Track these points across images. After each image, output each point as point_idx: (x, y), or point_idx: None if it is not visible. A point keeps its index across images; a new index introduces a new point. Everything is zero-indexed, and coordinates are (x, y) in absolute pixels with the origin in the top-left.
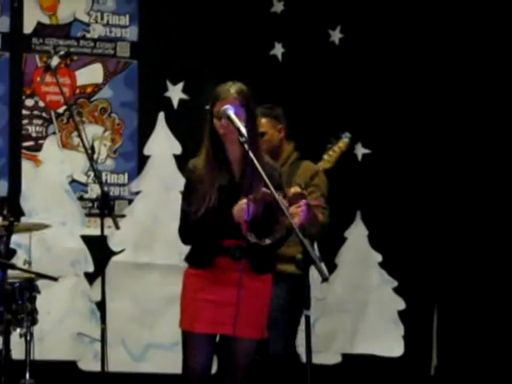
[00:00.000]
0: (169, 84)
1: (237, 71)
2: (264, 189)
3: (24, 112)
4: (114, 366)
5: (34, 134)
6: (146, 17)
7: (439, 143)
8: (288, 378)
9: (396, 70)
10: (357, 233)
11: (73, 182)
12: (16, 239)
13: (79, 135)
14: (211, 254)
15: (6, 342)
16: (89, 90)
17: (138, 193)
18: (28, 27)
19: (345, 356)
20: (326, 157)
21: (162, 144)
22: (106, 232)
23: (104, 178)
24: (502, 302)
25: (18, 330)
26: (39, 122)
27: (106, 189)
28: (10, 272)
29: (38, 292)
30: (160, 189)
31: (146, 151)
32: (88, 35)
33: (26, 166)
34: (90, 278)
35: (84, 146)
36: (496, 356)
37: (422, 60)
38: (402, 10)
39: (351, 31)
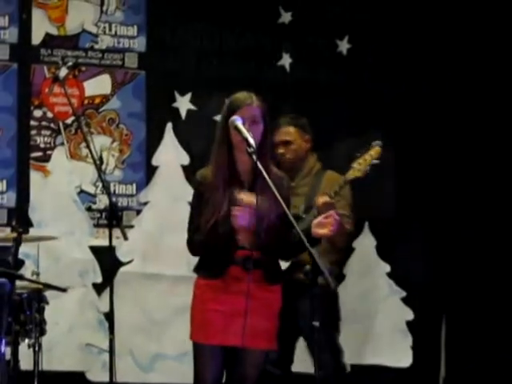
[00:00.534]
0: (177, 94)
1: (245, 82)
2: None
3: (32, 123)
4: (122, 376)
5: (42, 145)
6: (153, 27)
7: (446, 152)
8: None
9: (404, 80)
10: (365, 243)
11: (81, 192)
12: (24, 250)
13: (87, 146)
14: (222, 265)
15: (15, 353)
16: (97, 100)
17: (146, 203)
18: (36, 38)
19: (353, 367)
20: (355, 165)
21: (170, 154)
22: (115, 242)
23: (112, 189)
24: (511, 312)
25: (27, 340)
26: (47, 132)
27: (114, 199)
28: (19, 283)
29: (47, 303)
30: (168, 199)
31: (154, 162)
32: (96, 46)
33: (34, 176)
34: (99, 288)
35: (92, 156)
36: (505, 368)
37: (430, 69)
38: (409, 20)
39: (359, 41)
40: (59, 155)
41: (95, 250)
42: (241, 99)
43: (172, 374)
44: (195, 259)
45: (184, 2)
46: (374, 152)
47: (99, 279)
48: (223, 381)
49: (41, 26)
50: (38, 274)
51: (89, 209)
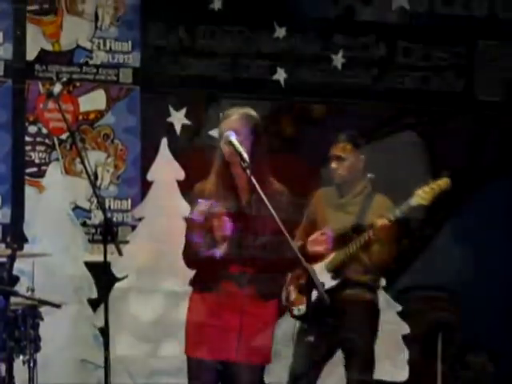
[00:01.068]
0: (171, 110)
1: (239, 96)
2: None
3: (27, 138)
4: None
5: (37, 161)
6: (148, 43)
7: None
8: None
9: (400, 94)
10: None
11: (76, 208)
12: (19, 266)
13: (82, 161)
14: (216, 279)
15: (10, 370)
16: (91, 116)
17: (141, 219)
18: (31, 54)
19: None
20: (420, 192)
21: (165, 170)
22: (110, 258)
23: (107, 204)
24: (507, 327)
25: (21, 357)
26: (42, 148)
27: (109, 215)
28: (13, 299)
29: (41, 319)
30: (163, 215)
31: (149, 177)
32: (91, 62)
33: (29, 192)
34: (94, 304)
35: (87, 172)
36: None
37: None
38: (402, 33)
39: (353, 56)
40: (54, 171)
41: (90, 265)
42: (225, 113)
43: None
44: (191, 275)
45: (178, 18)
46: (442, 182)
47: (94, 295)
48: None
49: (35, 42)
50: (32, 290)
51: (84, 224)
